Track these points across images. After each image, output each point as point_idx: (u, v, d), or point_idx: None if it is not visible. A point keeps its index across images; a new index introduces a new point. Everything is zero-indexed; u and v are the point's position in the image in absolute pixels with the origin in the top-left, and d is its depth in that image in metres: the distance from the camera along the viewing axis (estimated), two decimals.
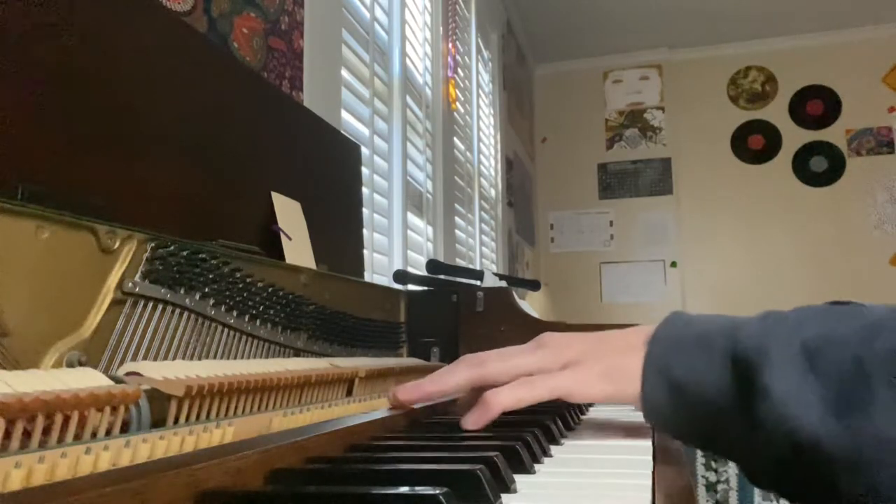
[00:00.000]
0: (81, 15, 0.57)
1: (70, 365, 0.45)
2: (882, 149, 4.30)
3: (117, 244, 0.50)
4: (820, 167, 4.38)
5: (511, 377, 0.51)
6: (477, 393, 0.55)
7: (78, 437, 0.36)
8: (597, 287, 4.55)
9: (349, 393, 0.72)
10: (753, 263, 4.37)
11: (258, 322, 0.66)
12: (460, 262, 2.56)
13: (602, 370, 0.49)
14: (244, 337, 0.64)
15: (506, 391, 0.49)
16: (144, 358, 0.51)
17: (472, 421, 0.49)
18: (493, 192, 3.36)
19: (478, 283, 1.38)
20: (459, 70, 2.74)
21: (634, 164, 4.61)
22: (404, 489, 0.29)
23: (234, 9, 1.12)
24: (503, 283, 1.48)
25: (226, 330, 0.61)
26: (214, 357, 0.60)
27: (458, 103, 2.68)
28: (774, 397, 0.40)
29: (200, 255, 0.58)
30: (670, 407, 0.46)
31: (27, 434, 0.33)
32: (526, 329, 1.14)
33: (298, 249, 0.84)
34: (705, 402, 0.44)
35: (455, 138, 2.60)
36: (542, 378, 0.50)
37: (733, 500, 1.98)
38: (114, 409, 0.38)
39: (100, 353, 0.48)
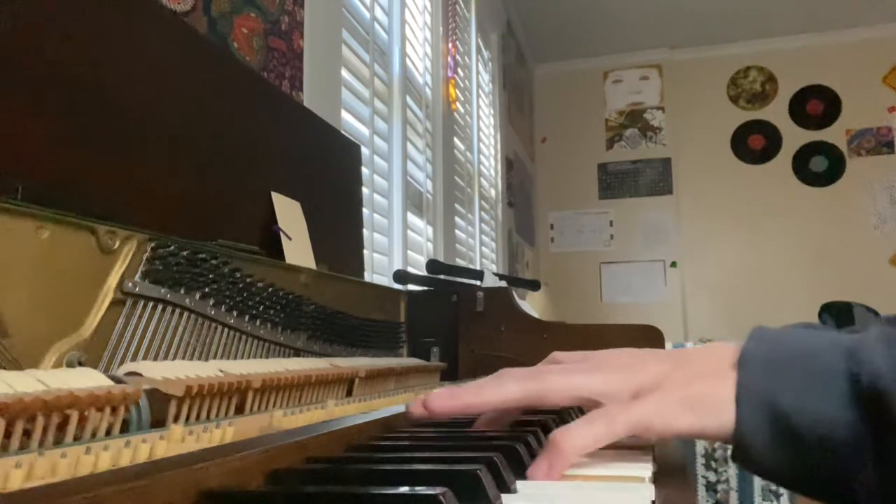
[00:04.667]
0: (81, 15, 0.57)
1: (70, 365, 0.45)
2: (882, 149, 4.30)
3: (117, 244, 0.50)
4: (820, 167, 4.38)
5: (572, 399, 0.44)
6: (501, 414, 0.50)
7: (78, 437, 0.36)
8: (597, 287, 4.55)
9: (349, 393, 0.72)
10: (753, 263, 4.37)
11: (258, 322, 0.66)
12: (460, 262, 2.56)
13: (683, 398, 0.41)
14: (244, 337, 0.64)
15: (580, 429, 0.40)
16: (144, 358, 0.51)
17: (544, 472, 0.39)
18: (493, 192, 3.36)
19: (478, 283, 1.38)
20: (459, 70, 2.74)
21: (634, 164, 4.62)
22: (404, 489, 0.29)
23: (234, 9, 1.12)
24: (503, 283, 1.48)
25: (226, 330, 0.61)
26: (214, 357, 0.60)
27: (458, 103, 2.68)
28: None
29: (200, 255, 0.58)
30: (774, 445, 0.39)
31: (27, 434, 0.33)
32: (526, 329, 1.14)
33: (298, 249, 0.84)
34: (823, 439, 0.37)
35: (455, 138, 2.60)
36: (619, 410, 0.41)
37: (733, 500, 1.98)
38: (114, 409, 0.38)
39: (100, 353, 0.48)
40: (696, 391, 0.41)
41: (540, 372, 0.46)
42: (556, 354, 0.51)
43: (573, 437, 0.40)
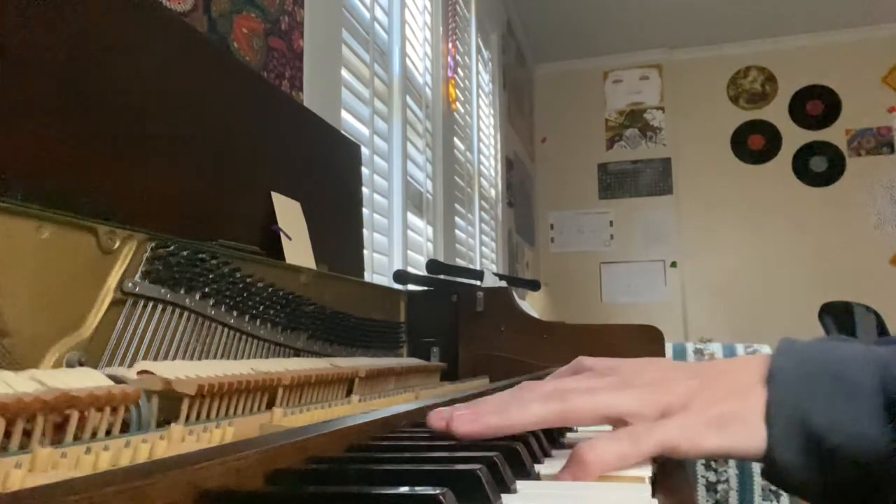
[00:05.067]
0: (81, 15, 0.57)
1: (70, 365, 0.45)
2: (882, 149, 4.30)
3: (117, 244, 0.50)
4: (820, 167, 4.38)
5: (597, 419, 0.43)
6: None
7: (78, 437, 0.36)
8: (597, 287, 4.55)
9: (349, 393, 0.72)
10: (753, 263, 4.37)
11: (258, 322, 0.66)
12: (460, 262, 2.55)
13: (712, 418, 0.40)
14: (244, 337, 0.64)
15: (606, 447, 0.39)
16: (144, 358, 0.51)
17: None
18: (493, 192, 3.36)
19: (478, 283, 1.38)
20: (459, 70, 2.74)
21: (634, 164, 4.62)
22: (404, 489, 0.29)
23: (234, 9, 1.12)
24: (503, 283, 1.48)
25: (226, 330, 0.61)
26: (214, 357, 0.60)
27: (458, 103, 2.68)
28: None
29: (200, 255, 0.58)
30: (807, 464, 0.38)
31: (27, 434, 0.33)
32: (526, 329, 1.14)
33: (298, 249, 0.84)
34: (857, 457, 0.36)
35: (455, 138, 2.60)
36: (646, 430, 0.40)
37: (733, 500, 1.97)
38: (114, 409, 0.38)
39: (100, 353, 0.48)
40: (724, 410, 0.40)
41: (564, 391, 0.44)
42: (584, 360, 0.49)
43: (599, 453, 0.39)
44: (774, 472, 0.39)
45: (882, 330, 3.46)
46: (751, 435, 0.39)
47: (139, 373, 0.44)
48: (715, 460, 2.01)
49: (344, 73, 1.57)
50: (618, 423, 0.43)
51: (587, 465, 0.38)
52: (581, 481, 0.38)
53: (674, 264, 4.46)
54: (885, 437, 0.36)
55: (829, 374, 0.39)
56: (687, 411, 0.41)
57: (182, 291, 0.56)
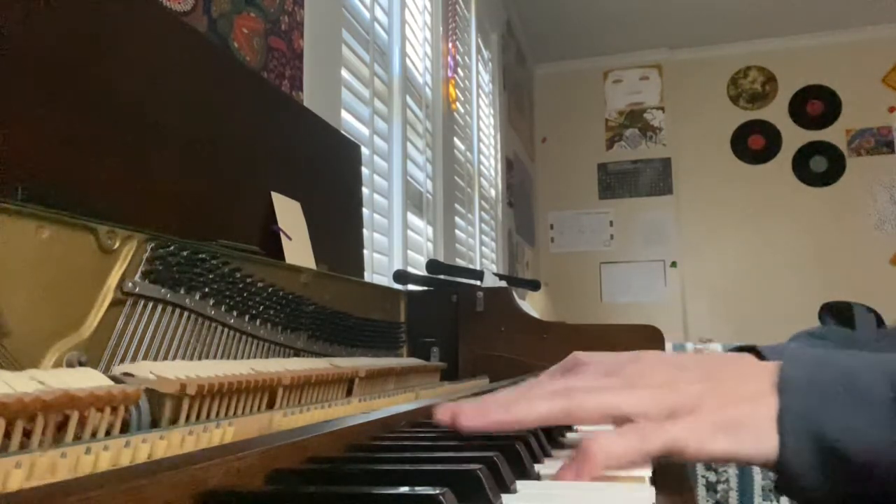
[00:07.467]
0: (81, 15, 0.57)
1: (70, 365, 0.45)
2: (882, 149, 4.30)
3: (117, 244, 0.50)
4: (820, 167, 4.38)
5: (603, 417, 0.43)
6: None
7: (78, 437, 0.36)
8: (597, 287, 4.55)
9: (349, 393, 0.72)
10: (753, 263, 4.37)
11: (258, 322, 0.66)
12: (460, 262, 2.55)
13: (720, 421, 0.40)
14: (244, 337, 0.64)
15: (614, 441, 0.39)
16: (144, 358, 0.51)
17: (571, 479, 0.39)
18: (493, 192, 3.36)
19: (478, 283, 1.38)
20: (459, 70, 2.73)
21: (634, 164, 4.62)
22: (404, 489, 0.29)
23: (234, 9, 1.12)
24: (503, 283, 1.48)
25: (226, 330, 0.61)
26: (214, 357, 0.60)
27: (458, 103, 2.68)
28: None
29: (200, 255, 0.58)
30: (823, 475, 0.37)
31: (27, 434, 0.33)
32: (526, 329, 1.14)
33: (298, 249, 0.84)
34: (872, 465, 0.36)
35: (455, 138, 2.60)
36: (654, 429, 0.40)
37: (733, 500, 1.97)
38: (114, 409, 0.38)
39: (100, 353, 0.48)
40: (734, 415, 0.40)
41: (570, 389, 0.44)
42: (579, 355, 0.49)
43: (605, 447, 0.39)
44: (788, 483, 0.39)
45: None
46: (761, 442, 0.39)
47: (124, 374, 0.44)
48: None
49: (344, 73, 1.57)
50: (623, 422, 0.42)
51: (592, 459, 0.38)
52: (585, 475, 0.38)
53: (674, 264, 4.46)
54: None
55: (840, 383, 0.38)
56: (696, 414, 0.41)
57: (182, 291, 0.56)
